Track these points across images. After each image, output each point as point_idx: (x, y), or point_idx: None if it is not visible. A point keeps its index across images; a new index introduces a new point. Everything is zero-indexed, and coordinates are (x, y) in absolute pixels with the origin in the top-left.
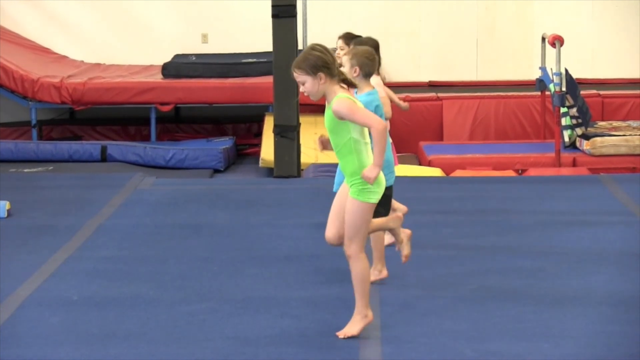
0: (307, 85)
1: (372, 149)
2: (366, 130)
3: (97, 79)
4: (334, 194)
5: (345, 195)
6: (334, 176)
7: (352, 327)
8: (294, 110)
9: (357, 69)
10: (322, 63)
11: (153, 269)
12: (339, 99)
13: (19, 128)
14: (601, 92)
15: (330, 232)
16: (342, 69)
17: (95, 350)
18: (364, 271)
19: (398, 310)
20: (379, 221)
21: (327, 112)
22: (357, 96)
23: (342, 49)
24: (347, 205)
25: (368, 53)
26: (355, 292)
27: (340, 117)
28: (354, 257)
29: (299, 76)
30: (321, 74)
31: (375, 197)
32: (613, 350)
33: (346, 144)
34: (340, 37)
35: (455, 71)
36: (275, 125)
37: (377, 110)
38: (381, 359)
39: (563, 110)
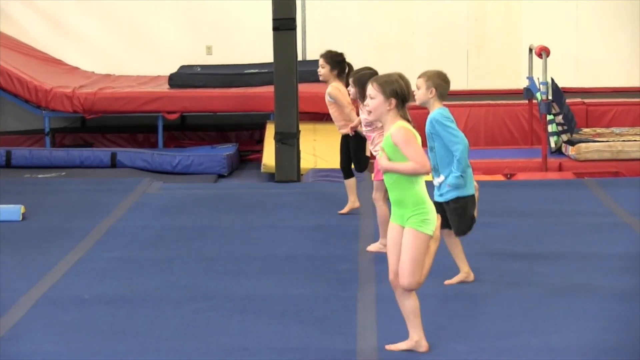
0: (375, 102)
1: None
2: None
3: (107, 89)
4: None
5: (399, 237)
6: (332, 181)
7: (402, 345)
8: (294, 118)
9: (434, 90)
10: (400, 92)
11: (160, 269)
12: (400, 126)
13: (33, 135)
14: (585, 100)
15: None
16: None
17: (105, 347)
18: (415, 305)
19: (394, 307)
20: (430, 254)
21: (386, 140)
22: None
23: (322, 67)
24: (405, 238)
25: (443, 75)
26: (408, 324)
27: (395, 143)
28: (407, 293)
29: (373, 90)
30: (393, 100)
31: (432, 229)
32: (597, 343)
33: (401, 175)
34: (321, 56)
35: None
36: (276, 133)
37: (451, 124)
38: (377, 354)
39: (549, 117)
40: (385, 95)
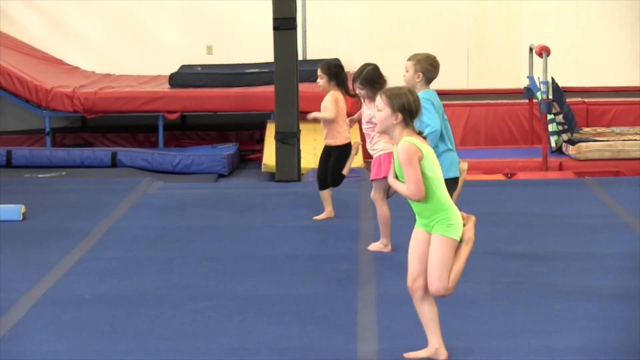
0: (382, 114)
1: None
2: (437, 164)
3: (108, 88)
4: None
5: (421, 241)
6: None
7: (421, 353)
8: (294, 118)
9: (421, 75)
10: (407, 108)
11: (160, 269)
12: (406, 143)
13: (33, 135)
14: (586, 100)
15: (420, 281)
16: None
17: (105, 346)
18: (434, 312)
19: (394, 307)
20: (462, 258)
21: (395, 155)
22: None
23: (320, 78)
24: (433, 244)
25: (432, 60)
26: (427, 331)
27: (399, 160)
28: (426, 299)
29: (381, 103)
30: (400, 115)
31: (459, 234)
32: (597, 344)
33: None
34: (319, 67)
35: (447, 80)
36: (276, 132)
37: (430, 106)
38: (377, 354)
39: (550, 117)
40: (392, 109)
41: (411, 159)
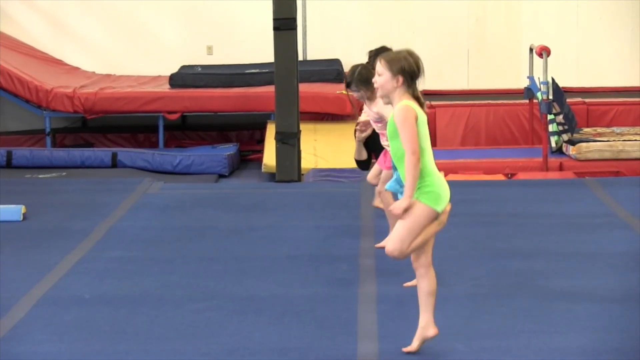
0: (383, 79)
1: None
2: (426, 136)
3: (108, 89)
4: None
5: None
6: (333, 180)
7: (414, 342)
8: (294, 118)
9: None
10: (408, 70)
11: (161, 269)
12: (403, 105)
13: (33, 136)
14: (586, 100)
15: (422, 259)
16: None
17: (106, 346)
18: (431, 286)
19: (395, 307)
20: (427, 232)
21: (390, 119)
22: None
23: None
24: (411, 207)
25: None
26: (420, 306)
27: (395, 122)
28: (431, 275)
29: (380, 67)
30: (400, 77)
31: (442, 206)
32: (598, 344)
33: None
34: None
35: (448, 80)
36: (276, 132)
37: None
38: (378, 354)
39: (550, 117)
40: (392, 72)
41: (406, 119)
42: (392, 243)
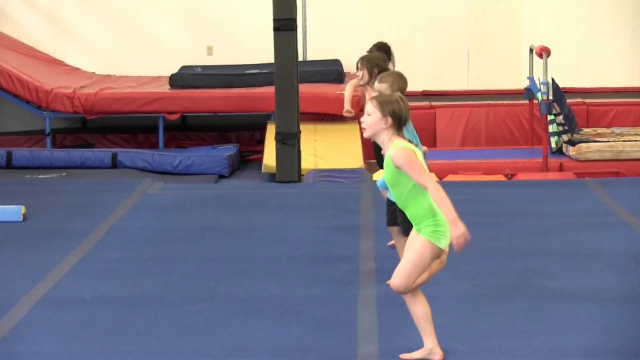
0: (372, 118)
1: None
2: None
3: (108, 89)
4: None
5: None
6: (332, 181)
7: (417, 354)
8: (294, 118)
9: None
10: (398, 113)
11: (161, 269)
12: (398, 147)
13: (33, 136)
14: (586, 101)
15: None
16: None
17: (106, 346)
18: (426, 311)
19: (395, 307)
20: (430, 271)
21: (387, 162)
22: None
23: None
24: (415, 243)
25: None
26: (421, 332)
27: (397, 166)
28: (421, 298)
29: (371, 107)
30: (389, 119)
31: (445, 243)
32: (598, 344)
33: (410, 191)
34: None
35: (448, 81)
36: (276, 133)
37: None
38: (378, 355)
39: (550, 117)
40: (382, 112)
41: (410, 158)
42: (398, 279)
